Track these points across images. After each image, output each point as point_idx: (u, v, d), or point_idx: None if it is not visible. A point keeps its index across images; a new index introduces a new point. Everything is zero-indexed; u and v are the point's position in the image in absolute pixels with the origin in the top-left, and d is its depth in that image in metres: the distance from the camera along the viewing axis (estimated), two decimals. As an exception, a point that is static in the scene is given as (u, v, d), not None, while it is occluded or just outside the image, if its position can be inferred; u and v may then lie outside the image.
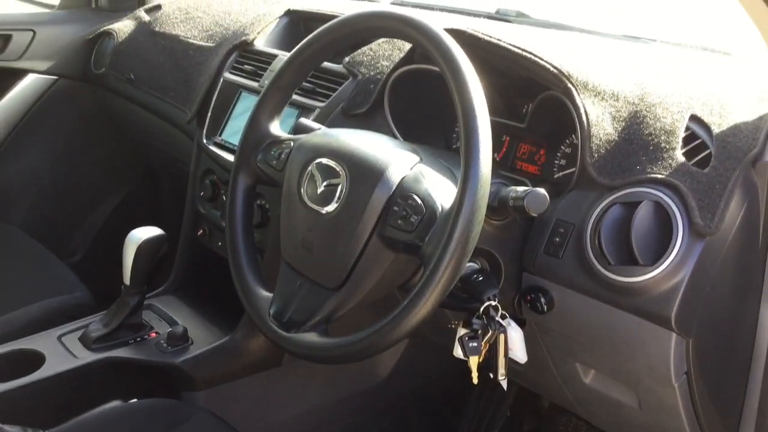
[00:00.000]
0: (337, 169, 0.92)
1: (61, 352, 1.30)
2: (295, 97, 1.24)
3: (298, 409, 1.48)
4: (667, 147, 0.90)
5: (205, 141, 1.49)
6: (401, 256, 0.90)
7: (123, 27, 1.90)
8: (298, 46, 1.03)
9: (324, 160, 0.93)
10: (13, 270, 1.61)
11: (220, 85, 1.52)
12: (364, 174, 0.90)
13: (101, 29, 1.95)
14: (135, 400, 1.25)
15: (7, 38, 1.88)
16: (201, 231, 1.53)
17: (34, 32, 1.91)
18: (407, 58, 1.22)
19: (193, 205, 1.54)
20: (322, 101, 1.31)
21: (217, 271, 1.31)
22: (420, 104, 1.24)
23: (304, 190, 0.94)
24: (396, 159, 0.91)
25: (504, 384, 0.95)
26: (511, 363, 0.95)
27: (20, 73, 1.93)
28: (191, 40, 1.68)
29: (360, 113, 1.22)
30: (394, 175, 0.89)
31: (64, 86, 1.98)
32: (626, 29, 1.39)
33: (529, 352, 0.96)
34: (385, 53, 1.26)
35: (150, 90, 1.73)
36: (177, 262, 1.59)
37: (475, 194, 0.79)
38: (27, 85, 1.94)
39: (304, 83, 1.25)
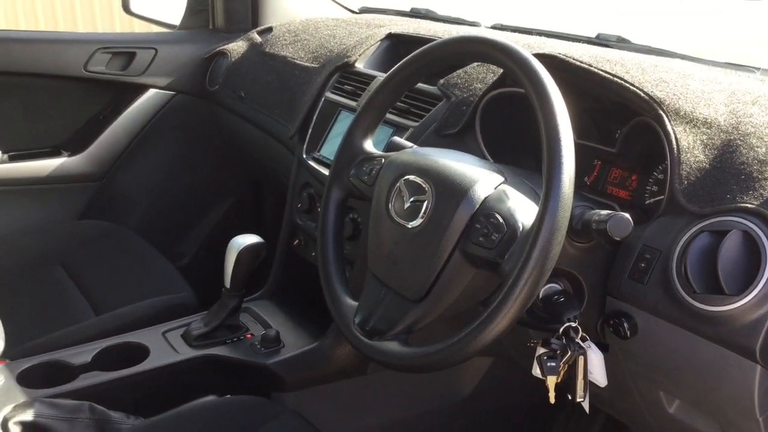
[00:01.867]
0: (424, 186, 0.96)
1: (165, 347, 1.40)
2: (389, 116, 1.30)
3: (380, 418, 1.51)
4: (760, 177, 0.88)
5: (304, 156, 1.56)
6: (482, 272, 0.92)
7: (236, 47, 2.02)
8: (393, 69, 1.09)
9: (411, 177, 0.98)
10: (127, 269, 1.74)
11: (321, 103, 1.60)
12: (449, 191, 0.93)
13: (216, 49, 2.08)
14: (228, 396, 1.31)
15: (132, 55, 2.04)
16: (297, 241, 1.59)
17: (156, 50, 2.06)
18: (499, 81, 1.24)
19: (291, 215, 1.61)
20: (415, 121, 1.36)
21: (311, 280, 1.37)
22: (511, 126, 1.25)
23: (392, 205, 0.99)
24: (481, 178, 0.94)
25: (585, 406, 0.95)
26: (594, 388, 0.95)
27: (142, 89, 2.08)
28: (297, 61, 1.77)
29: (452, 134, 1.25)
30: (478, 194, 0.92)
31: (181, 101, 2.13)
32: (729, 57, 1.36)
33: (612, 378, 0.96)
34: (479, 76, 1.29)
35: (258, 107, 1.83)
36: (274, 269, 1.67)
37: (555, 215, 0.81)
38: (147, 99, 2.09)
39: (399, 103, 1.31)
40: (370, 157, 1.09)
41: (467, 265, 0.92)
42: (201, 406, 1.25)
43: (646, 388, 1.05)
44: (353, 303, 1.03)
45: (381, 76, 1.44)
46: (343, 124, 1.52)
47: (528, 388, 1.38)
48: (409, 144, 1.12)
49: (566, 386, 0.94)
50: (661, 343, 0.95)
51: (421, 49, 1.05)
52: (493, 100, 1.24)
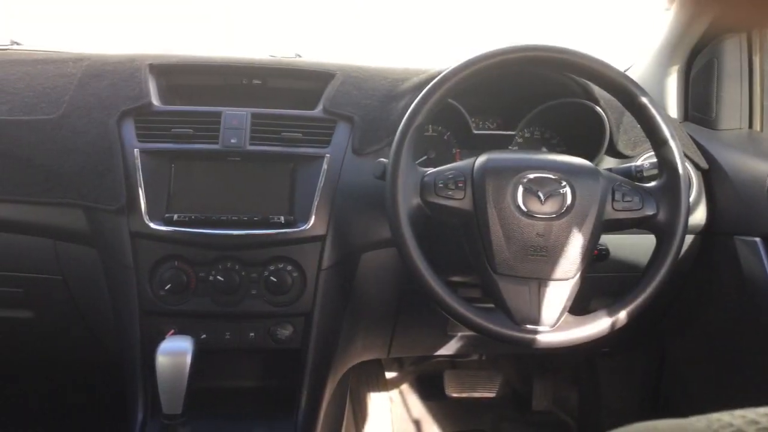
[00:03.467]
0: (553, 177, 1.07)
1: None
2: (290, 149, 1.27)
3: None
4: None
5: (152, 225, 1.19)
6: None
7: None
8: (432, 84, 1.08)
9: (532, 175, 1.07)
10: None
11: (137, 159, 1.21)
12: (580, 175, 1.09)
13: None
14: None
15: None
16: (172, 331, 1.21)
17: None
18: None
19: (149, 306, 1.23)
20: (321, 147, 1.28)
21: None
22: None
23: (520, 202, 1.06)
24: (583, 158, 1.15)
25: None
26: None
27: None
28: (24, 118, 1.27)
29: (374, 150, 1.30)
30: (600, 170, 1.12)
31: None
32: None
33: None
34: (367, 93, 1.35)
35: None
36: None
37: (683, 164, 1.09)
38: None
39: (287, 133, 1.27)
40: (440, 174, 1.09)
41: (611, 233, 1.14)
42: None
43: None
44: (490, 308, 1.07)
45: (188, 109, 1.30)
46: (186, 174, 1.24)
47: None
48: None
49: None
50: None
51: (468, 59, 1.08)
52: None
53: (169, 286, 1.21)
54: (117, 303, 1.26)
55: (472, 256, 1.10)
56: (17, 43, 1.57)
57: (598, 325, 1.07)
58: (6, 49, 1.54)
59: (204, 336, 1.24)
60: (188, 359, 1.03)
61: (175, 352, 1.04)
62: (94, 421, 1.79)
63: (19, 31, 1.62)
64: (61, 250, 1.27)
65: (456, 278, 1.25)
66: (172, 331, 1.21)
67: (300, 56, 1.58)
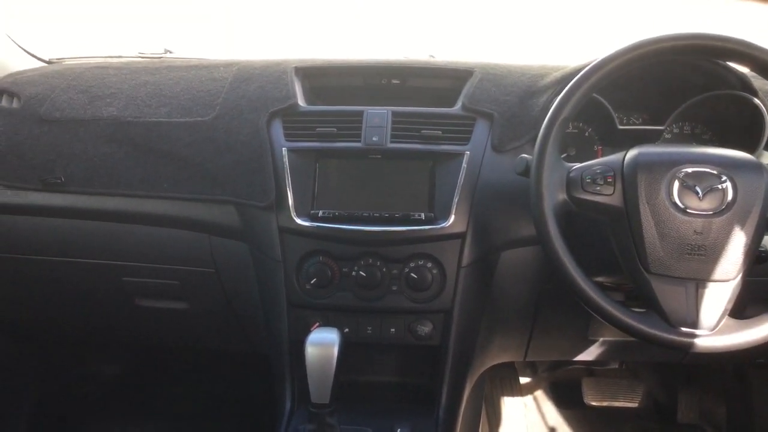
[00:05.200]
0: (712, 171, 1.01)
1: None
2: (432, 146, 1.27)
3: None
4: None
5: (298, 220, 1.24)
6: None
7: None
8: (579, 76, 1.06)
9: (690, 169, 1.02)
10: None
11: (285, 158, 1.26)
12: (742, 169, 1.02)
13: None
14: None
15: None
16: (317, 324, 1.25)
17: None
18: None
19: (295, 299, 1.28)
20: (461, 144, 1.28)
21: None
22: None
23: (676, 198, 1.01)
24: (740, 150, 1.06)
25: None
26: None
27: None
28: (176, 120, 1.35)
29: (515, 147, 1.28)
30: (765, 164, 1.03)
31: None
32: None
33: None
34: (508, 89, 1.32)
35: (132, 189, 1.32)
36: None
37: None
38: None
39: (428, 131, 1.27)
40: (587, 169, 1.06)
41: None
42: None
43: None
44: (642, 312, 1.03)
45: (332, 109, 1.33)
46: (330, 171, 1.28)
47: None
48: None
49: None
50: None
51: (625, 47, 1.04)
52: None
53: (314, 280, 1.25)
54: (266, 295, 1.31)
55: (622, 255, 1.06)
56: (170, 51, 1.68)
57: (764, 329, 1.00)
58: (161, 57, 1.65)
59: (347, 330, 1.27)
60: (336, 350, 1.06)
61: (323, 342, 1.06)
62: (243, 411, 1.88)
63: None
64: (215, 245, 1.34)
65: (599, 279, 1.20)
66: (318, 323, 1.25)
67: (433, 57, 1.59)
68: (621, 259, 1.06)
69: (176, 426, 1.21)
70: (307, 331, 1.11)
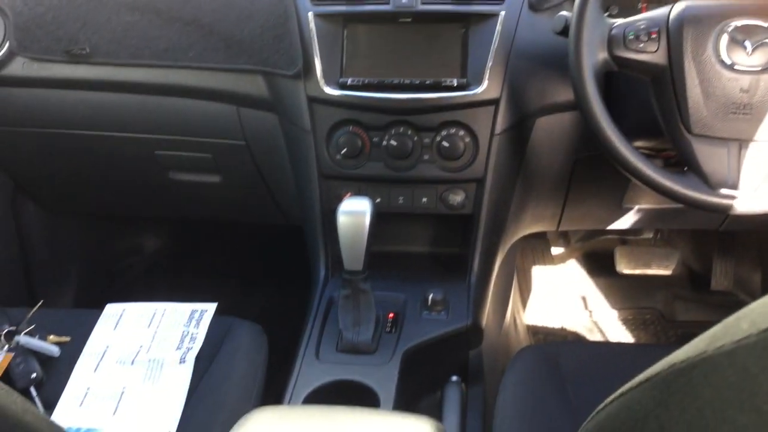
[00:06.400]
0: (765, 25, 0.95)
1: None
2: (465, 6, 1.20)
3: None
4: None
5: (326, 89, 1.20)
6: None
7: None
8: None
9: (740, 22, 0.96)
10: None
11: (312, 23, 1.21)
12: None
13: None
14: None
15: None
16: (347, 193, 1.26)
17: None
18: None
19: (327, 168, 1.27)
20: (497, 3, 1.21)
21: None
22: None
23: (723, 54, 0.96)
24: None
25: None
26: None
27: None
28: None
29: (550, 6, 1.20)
30: None
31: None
32: None
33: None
34: None
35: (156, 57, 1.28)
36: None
37: None
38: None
39: None
40: (630, 25, 1.00)
41: None
42: None
43: None
44: (681, 174, 0.99)
45: None
46: (358, 38, 1.22)
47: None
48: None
49: None
50: None
51: None
52: None
53: (344, 150, 1.23)
54: (297, 167, 1.31)
55: (663, 116, 1.02)
56: None
57: None
58: None
59: (378, 200, 1.26)
60: (368, 218, 1.06)
61: (355, 211, 1.06)
62: (279, 281, 1.94)
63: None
64: (244, 116, 1.33)
65: (637, 145, 1.17)
66: (349, 193, 1.24)
67: None
68: (662, 121, 1.02)
69: (214, 297, 1.25)
70: (339, 201, 1.11)
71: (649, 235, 1.99)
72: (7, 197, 1.62)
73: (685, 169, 1.02)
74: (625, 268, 1.95)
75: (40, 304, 1.26)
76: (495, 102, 1.20)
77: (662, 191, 1.00)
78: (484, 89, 1.18)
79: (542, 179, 1.36)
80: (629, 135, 1.02)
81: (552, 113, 1.24)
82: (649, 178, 0.99)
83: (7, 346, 1.17)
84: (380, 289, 1.22)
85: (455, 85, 1.19)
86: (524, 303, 2.00)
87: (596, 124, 0.99)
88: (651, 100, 1.04)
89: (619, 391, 0.39)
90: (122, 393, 1.10)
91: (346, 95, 1.20)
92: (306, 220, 1.35)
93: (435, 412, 1.17)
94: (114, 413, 1.07)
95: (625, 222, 1.49)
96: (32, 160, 1.54)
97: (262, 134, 1.34)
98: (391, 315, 1.22)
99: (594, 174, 1.34)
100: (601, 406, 0.41)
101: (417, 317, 1.22)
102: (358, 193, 1.25)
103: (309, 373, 1.10)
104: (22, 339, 1.17)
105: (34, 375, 1.11)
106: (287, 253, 1.85)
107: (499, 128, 1.22)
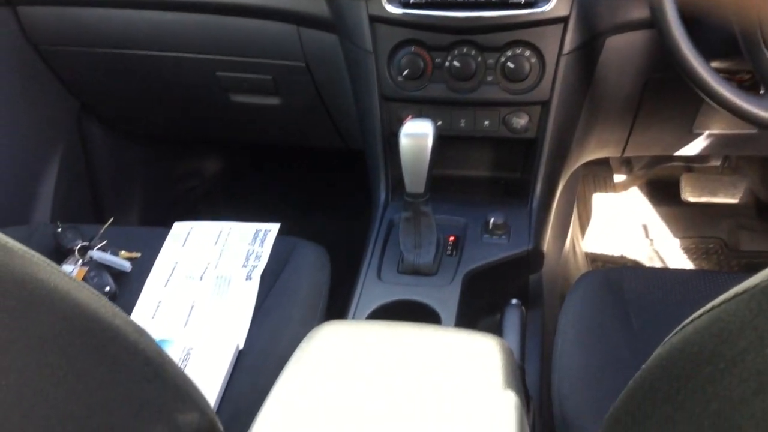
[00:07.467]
0: None
1: None
2: None
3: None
4: None
5: (389, 8, 1.17)
6: None
7: None
8: None
9: None
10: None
11: None
12: None
13: None
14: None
15: None
16: (408, 116, 1.25)
17: None
18: None
19: (388, 92, 1.25)
20: None
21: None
22: None
23: None
24: None
25: None
26: None
27: None
28: None
29: None
30: None
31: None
32: None
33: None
34: None
35: None
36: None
37: None
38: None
39: None
40: None
41: None
42: None
43: None
44: (759, 95, 0.96)
45: None
46: None
47: None
48: None
49: None
50: None
51: None
52: None
53: (406, 71, 1.21)
54: (357, 89, 1.30)
55: (742, 32, 0.96)
56: None
57: None
58: None
59: (440, 123, 1.25)
60: (430, 139, 1.05)
61: (418, 132, 1.05)
62: (339, 204, 1.96)
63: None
64: (304, 36, 1.31)
65: (713, 64, 1.11)
66: (410, 116, 1.23)
67: None
68: (740, 37, 0.97)
69: (276, 219, 1.27)
70: (400, 124, 1.10)
71: (717, 162, 1.92)
72: (73, 117, 1.66)
73: (762, 92, 0.98)
74: (690, 196, 1.90)
75: (110, 221, 1.30)
76: (564, 20, 1.15)
77: (739, 113, 0.96)
78: (552, 6, 1.13)
79: (610, 102, 1.32)
80: (705, 54, 0.97)
81: (624, 31, 1.19)
82: (726, 99, 0.95)
83: (81, 261, 1.22)
84: (441, 213, 1.22)
85: (522, 2, 1.14)
86: (583, 230, 1.97)
87: (673, 42, 0.95)
88: (730, 17, 0.99)
89: (710, 305, 0.38)
90: (192, 307, 1.14)
91: (409, 14, 1.17)
92: (367, 144, 1.35)
93: (495, 333, 1.18)
94: (185, 325, 1.11)
95: (695, 148, 1.44)
96: (96, 80, 1.56)
97: (323, 55, 1.32)
98: (451, 238, 1.22)
99: (665, 96, 1.29)
100: (688, 320, 0.40)
101: (478, 241, 1.22)
102: (419, 115, 1.24)
103: (371, 292, 1.12)
104: (96, 254, 1.21)
105: (107, 288, 1.16)
106: (347, 176, 1.85)
107: (567, 48, 1.17)
